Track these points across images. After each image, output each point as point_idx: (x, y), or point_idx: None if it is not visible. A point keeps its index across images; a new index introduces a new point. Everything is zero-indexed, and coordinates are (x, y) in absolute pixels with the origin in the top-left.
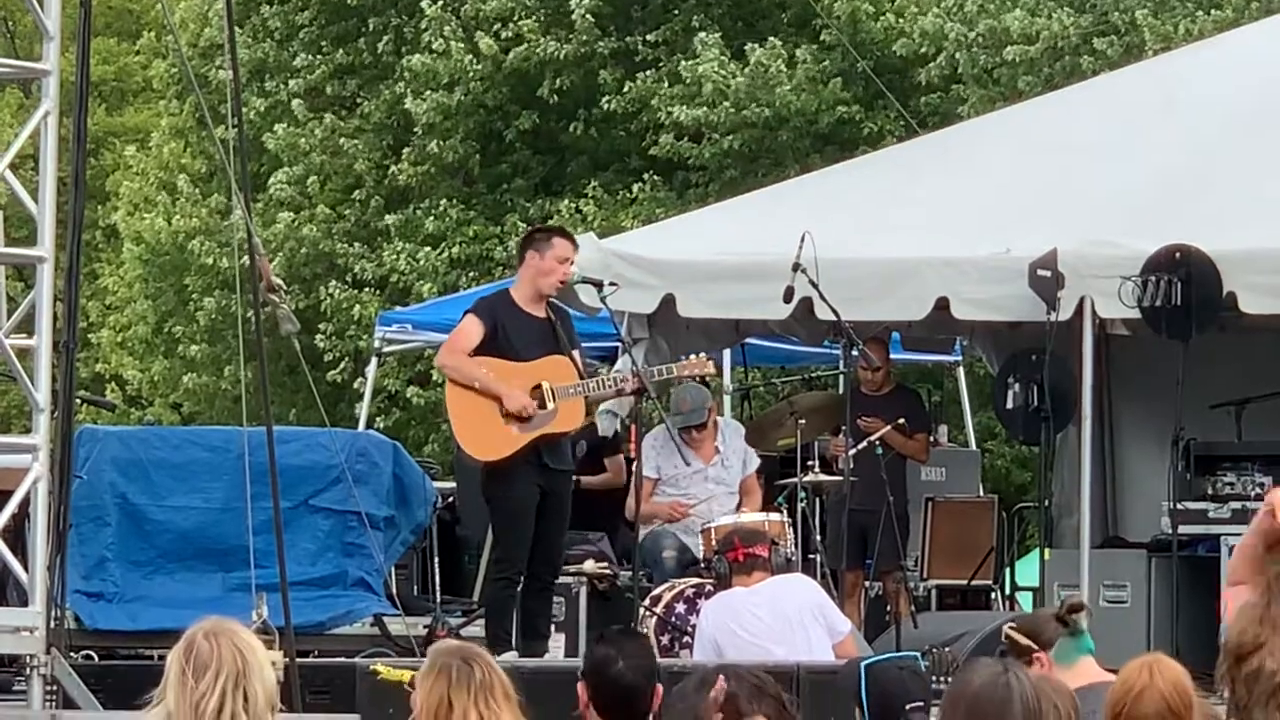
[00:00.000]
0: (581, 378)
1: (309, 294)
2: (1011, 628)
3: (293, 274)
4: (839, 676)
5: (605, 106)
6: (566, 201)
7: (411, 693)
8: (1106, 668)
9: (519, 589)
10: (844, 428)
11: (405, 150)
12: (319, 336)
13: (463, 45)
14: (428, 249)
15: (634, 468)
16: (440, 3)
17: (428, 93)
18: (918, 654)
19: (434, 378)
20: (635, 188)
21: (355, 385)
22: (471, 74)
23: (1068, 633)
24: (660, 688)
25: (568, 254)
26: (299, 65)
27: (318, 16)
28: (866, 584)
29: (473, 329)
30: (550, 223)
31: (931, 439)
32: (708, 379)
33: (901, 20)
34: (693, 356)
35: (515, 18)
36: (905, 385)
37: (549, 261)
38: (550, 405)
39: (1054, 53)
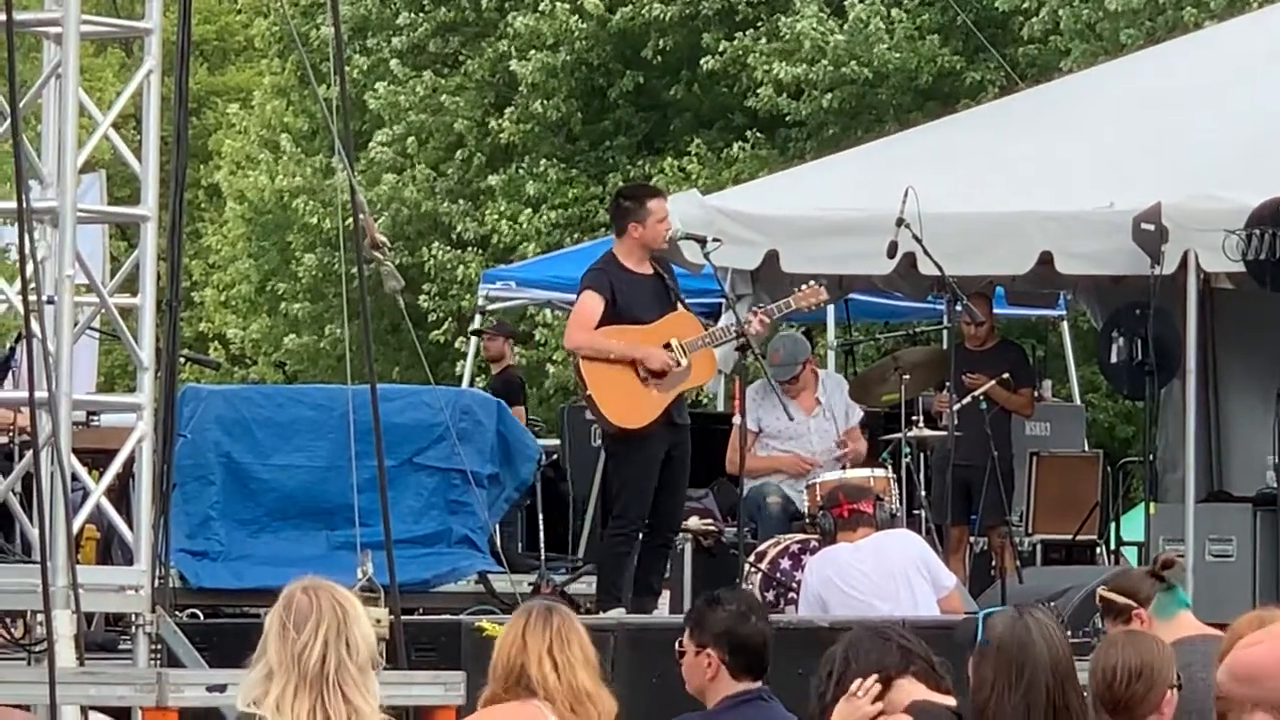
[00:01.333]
0: (705, 329)
1: (413, 253)
2: (1106, 588)
3: (396, 233)
4: (956, 631)
5: (705, 67)
6: (669, 160)
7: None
8: (1210, 622)
9: (637, 545)
10: (948, 383)
11: (508, 109)
12: (423, 297)
13: (568, 6)
14: (529, 211)
15: (739, 423)
16: None
17: (532, 52)
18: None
19: (536, 337)
20: (736, 146)
21: (458, 345)
22: (577, 34)
23: (1163, 588)
24: None
25: (663, 211)
26: (401, 23)
27: None
28: (971, 539)
29: (593, 303)
30: (651, 182)
31: (1036, 394)
32: (805, 320)
33: None
34: (805, 286)
35: None
36: (1009, 340)
37: (652, 227)
38: (684, 361)
39: (1156, 6)
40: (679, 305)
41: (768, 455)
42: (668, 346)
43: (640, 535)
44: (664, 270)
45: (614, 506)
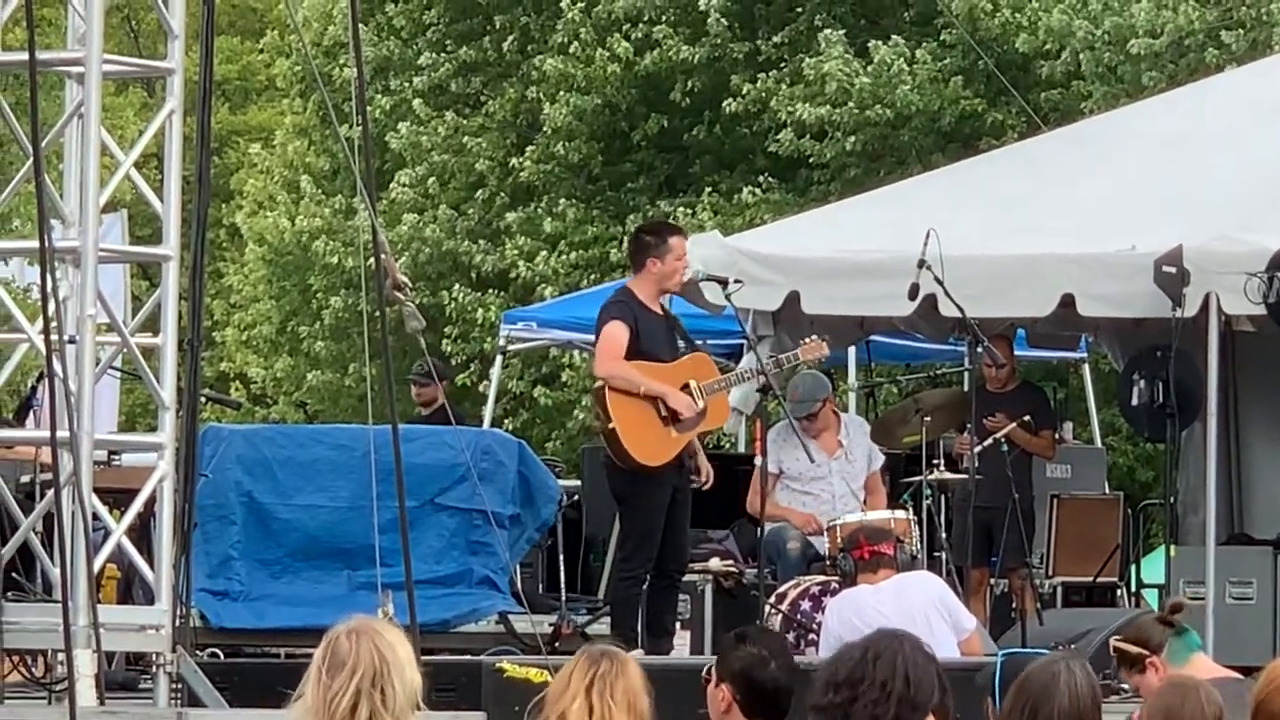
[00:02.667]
0: (721, 371)
1: (434, 294)
2: (1118, 640)
3: (417, 273)
4: (978, 675)
5: (727, 109)
6: (682, 208)
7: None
8: (1230, 665)
9: (645, 587)
10: (969, 425)
11: (529, 148)
12: (444, 340)
13: (605, 52)
14: (545, 252)
15: (760, 465)
16: (579, 6)
17: (561, 94)
18: (1048, 650)
19: (562, 378)
20: (747, 191)
21: (480, 388)
22: (607, 76)
23: (1174, 633)
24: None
25: (683, 250)
26: (423, 63)
27: (444, 14)
28: (992, 581)
29: (621, 334)
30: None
31: (1057, 436)
32: (825, 365)
33: (1019, 15)
34: (808, 340)
35: (646, 18)
36: (1030, 382)
37: (670, 264)
38: (700, 404)
39: (1179, 48)
40: (690, 346)
41: (786, 506)
42: (685, 388)
43: (649, 577)
44: (670, 313)
45: (622, 548)
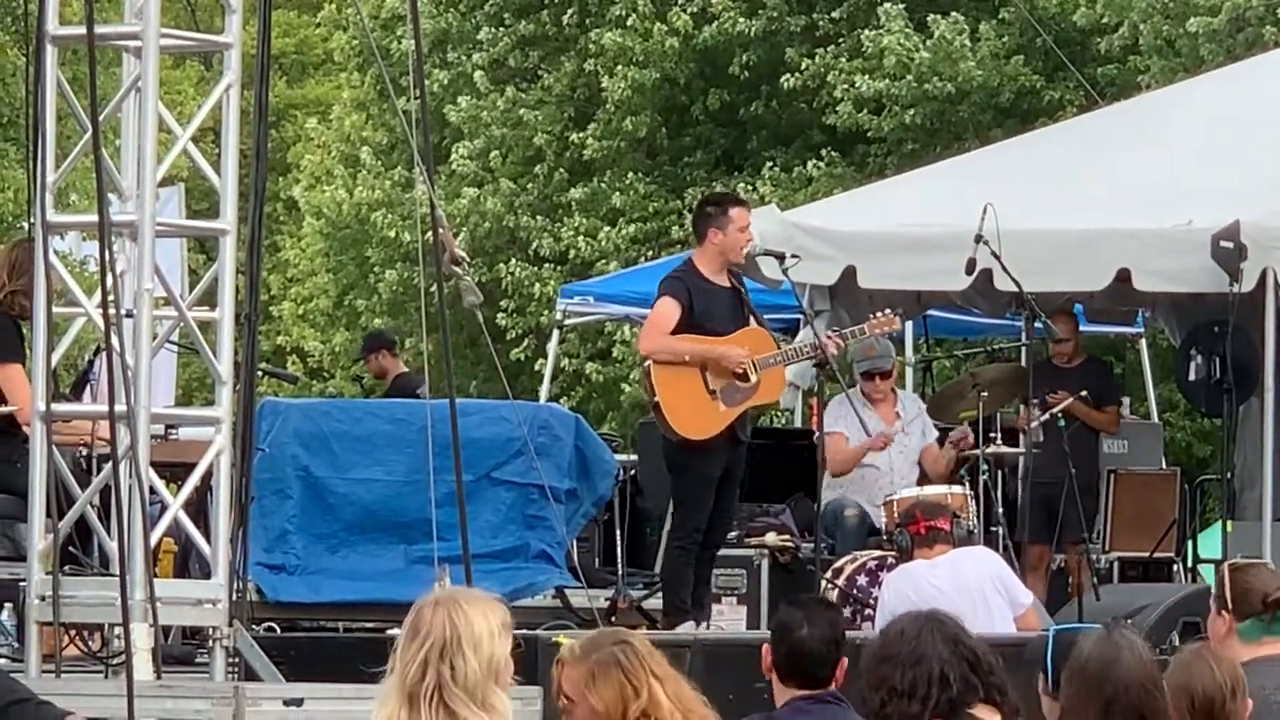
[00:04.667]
0: (778, 346)
1: (490, 268)
2: (1236, 567)
3: (475, 247)
4: (1027, 649)
5: (785, 85)
6: (743, 183)
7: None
8: None
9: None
10: (1030, 399)
11: (591, 125)
12: (500, 314)
13: (663, 26)
14: (608, 228)
15: (819, 440)
16: None
17: (619, 68)
18: (1101, 626)
19: (614, 354)
20: (810, 165)
21: (536, 366)
22: (666, 50)
23: (1268, 616)
24: (845, 660)
25: (746, 220)
26: (482, 38)
27: None
28: (1054, 556)
29: (670, 310)
30: None
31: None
32: (889, 333)
33: None
34: (879, 314)
35: None
36: (1096, 357)
37: (732, 235)
38: (753, 377)
39: (1237, 23)
40: (753, 320)
41: (854, 446)
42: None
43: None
44: (740, 284)
45: (673, 518)
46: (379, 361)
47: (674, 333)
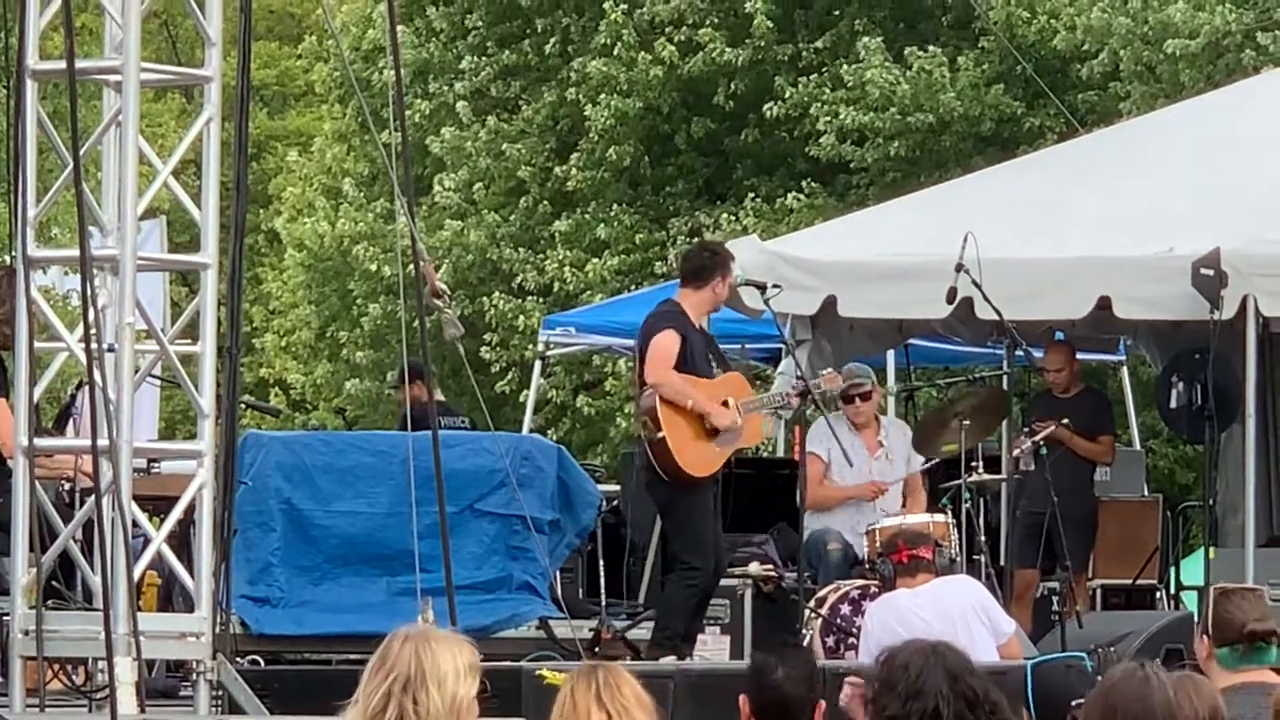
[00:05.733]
0: (755, 391)
1: (474, 301)
2: (1224, 591)
3: (458, 280)
4: (1006, 678)
5: (770, 113)
6: (726, 214)
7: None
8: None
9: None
10: (1021, 427)
11: (574, 155)
12: (484, 347)
13: (648, 55)
14: (595, 260)
15: (800, 468)
16: (622, 8)
17: (602, 97)
18: (1084, 654)
19: (607, 386)
20: (791, 196)
21: (521, 398)
22: (651, 79)
23: (1244, 647)
24: (823, 703)
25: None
26: (464, 67)
27: (486, 16)
28: (1042, 584)
29: (674, 345)
30: (709, 232)
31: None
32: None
33: (1055, 21)
34: (824, 373)
35: (690, 21)
36: (1093, 387)
37: (727, 287)
38: (739, 422)
39: (1216, 48)
40: (724, 366)
41: (840, 485)
42: (725, 404)
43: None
44: (709, 334)
45: (683, 556)
46: (414, 391)
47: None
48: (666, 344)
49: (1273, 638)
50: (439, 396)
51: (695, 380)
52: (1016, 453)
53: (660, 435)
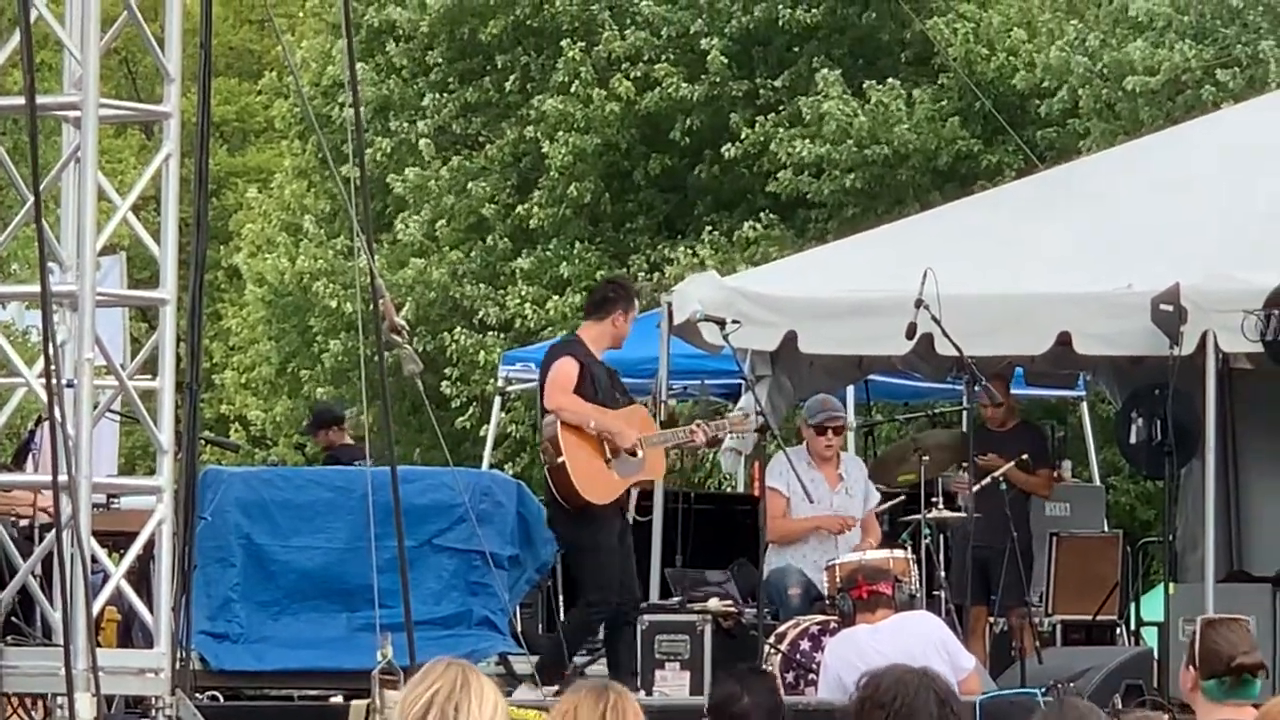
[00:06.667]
0: (658, 426)
1: (435, 336)
2: (1211, 622)
3: (419, 316)
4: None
5: (727, 154)
6: (684, 248)
7: None
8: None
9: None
10: (966, 464)
11: (535, 192)
12: (444, 382)
13: (604, 92)
14: (556, 297)
15: (760, 503)
16: (580, 45)
17: (560, 134)
18: (1039, 690)
19: None
20: (747, 226)
21: (481, 432)
22: (608, 115)
23: (1231, 680)
24: None
25: (634, 315)
26: (426, 104)
27: (446, 53)
28: (991, 620)
29: (573, 370)
30: (668, 268)
31: (1055, 474)
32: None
33: (1015, 58)
34: (734, 415)
35: (646, 57)
36: (1029, 421)
37: (629, 322)
38: (640, 454)
39: (1175, 85)
40: (627, 400)
41: (808, 517)
42: None
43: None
44: (610, 369)
45: (586, 590)
46: (328, 436)
47: None
48: (566, 369)
49: (1260, 671)
50: (346, 440)
51: (600, 409)
52: (976, 489)
53: (560, 460)
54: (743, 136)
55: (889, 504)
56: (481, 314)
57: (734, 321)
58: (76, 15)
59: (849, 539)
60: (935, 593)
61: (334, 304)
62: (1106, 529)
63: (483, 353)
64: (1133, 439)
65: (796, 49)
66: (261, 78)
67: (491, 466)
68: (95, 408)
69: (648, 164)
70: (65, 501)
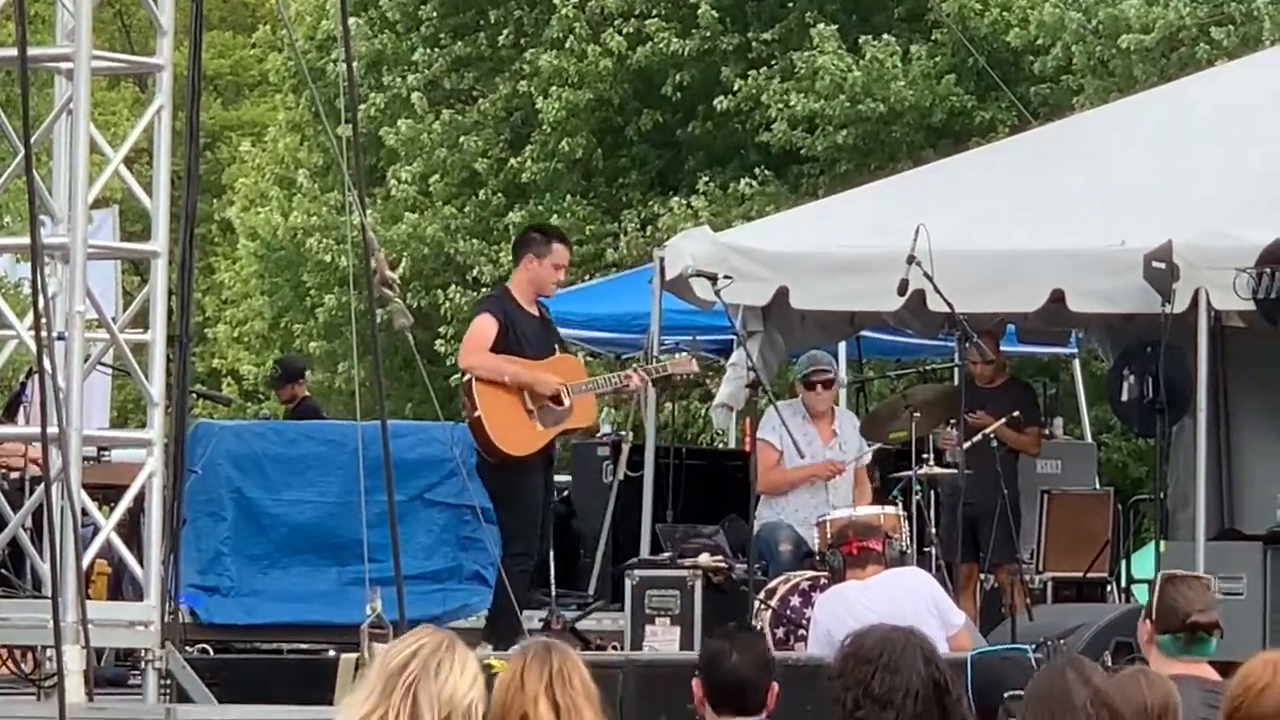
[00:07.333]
0: (590, 374)
1: (428, 292)
2: (1171, 578)
3: (414, 272)
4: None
5: (720, 106)
6: (678, 199)
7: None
8: (1218, 661)
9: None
10: (956, 421)
11: (528, 147)
12: (439, 340)
13: (598, 47)
14: None
15: (751, 457)
16: (573, 1)
17: (554, 89)
18: (1029, 646)
19: None
20: (744, 183)
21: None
22: (601, 70)
23: (1185, 636)
24: (776, 685)
25: (563, 261)
26: (418, 59)
27: (439, 7)
28: (982, 577)
29: (489, 327)
30: (660, 220)
31: (1046, 432)
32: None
33: (1008, 14)
34: (678, 355)
35: (638, 12)
36: (1018, 378)
37: (546, 268)
38: (567, 401)
39: (1170, 42)
40: (561, 350)
41: (798, 467)
42: None
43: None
44: (546, 315)
45: (512, 541)
46: (294, 389)
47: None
48: (481, 328)
49: (1214, 629)
50: (306, 393)
51: (518, 360)
52: (968, 445)
53: (476, 414)
54: (735, 89)
55: (869, 451)
56: (475, 270)
57: (726, 277)
58: None
59: (841, 494)
60: (926, 549)
61: (328, 259)
62: (1098, 486)
63: None
64: (1124, 396)
65: (789, 3)
66: (255, 31)
67: None
68: (86, 360)
69: (640, 119)
70: (55, 454)
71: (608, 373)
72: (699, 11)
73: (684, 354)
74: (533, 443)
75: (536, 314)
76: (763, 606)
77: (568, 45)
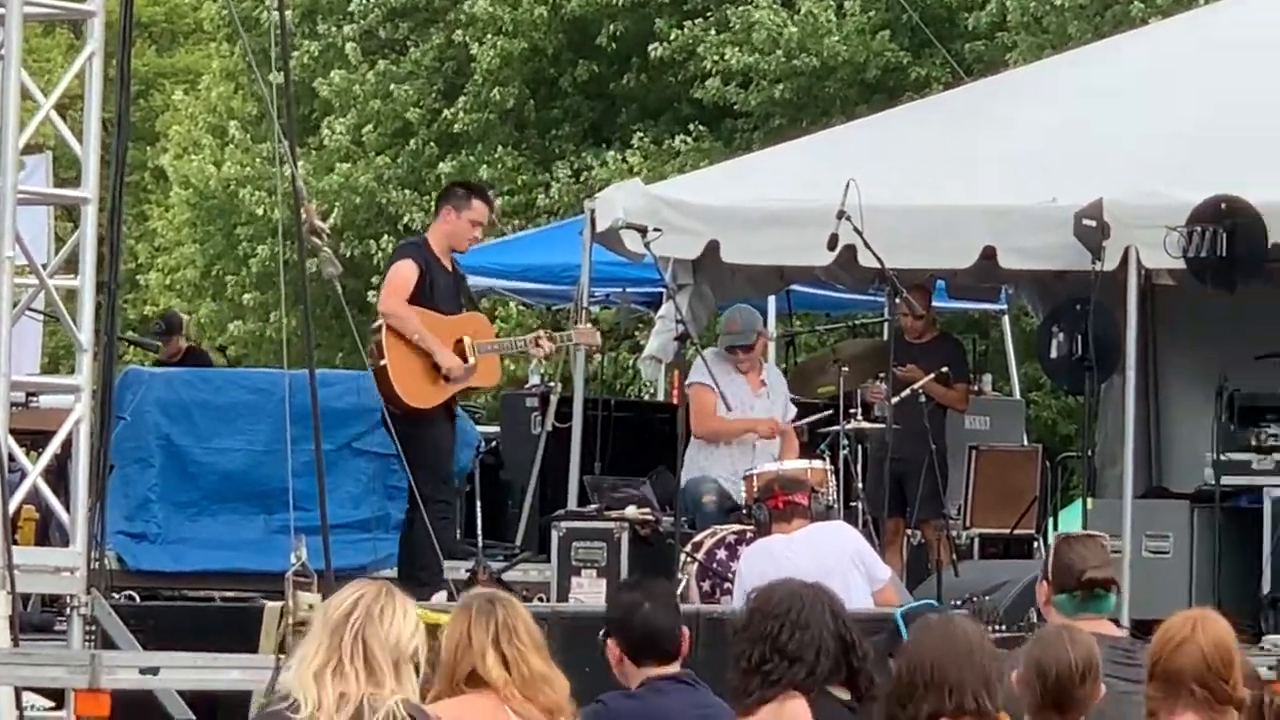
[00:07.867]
0: (496, 335)
1: (361, 242)
2: (1066, 538)
3: (345, 222)
4: (882, 625)
5: (654, 55)
6: (613, 153)
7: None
8: (1143, 619)
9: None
10: (885, 375)
11: (461, 98)
12: (370, 290)
13: None
14: None
15: (680, 410)
16: None
17: (489, 37)
18: (956, 603)
19: (496, 330)
20: (679, 139)
21: None
22: (536, 19)
23: (1082, 594)
24: (687, 631)
25: (482, 218)
26: (353, 9)
27: None
28: (908, 532)
29: (410, 274)
30: (593, 173)
31: (975, 389)
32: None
33: None
34: (582, 326)
35: None
36: (948, 334)
37: (463, 222)
38: (471, 360)
39: (1103, 0)
40: (471, 306)
41: (740, 418)
42: (459, 342)
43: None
44: (459, 272)
45: (429, 490)
46: (177, 342)
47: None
48: (403, 274)
49: (1111, 586)
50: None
51: (432, 316)
52: (896, 400)
53: (382, 363)
54: (671, 38)
55: (810, 418)
56: (407, 219)
57: (656, 230)
58: None
59: (768, 448)
60: (852, 504)
61: (260, 211)
62: (1026, 443)
63: None
64: (1053, 354)
65: None
66: None
67: None
68: (15, 306)
69: (575, 70)
70: None
71: (517, 335)
72: None
73: (587, 327)
74: (434, 397)
75: (450, 268)
76: (689, 560)
77: None
